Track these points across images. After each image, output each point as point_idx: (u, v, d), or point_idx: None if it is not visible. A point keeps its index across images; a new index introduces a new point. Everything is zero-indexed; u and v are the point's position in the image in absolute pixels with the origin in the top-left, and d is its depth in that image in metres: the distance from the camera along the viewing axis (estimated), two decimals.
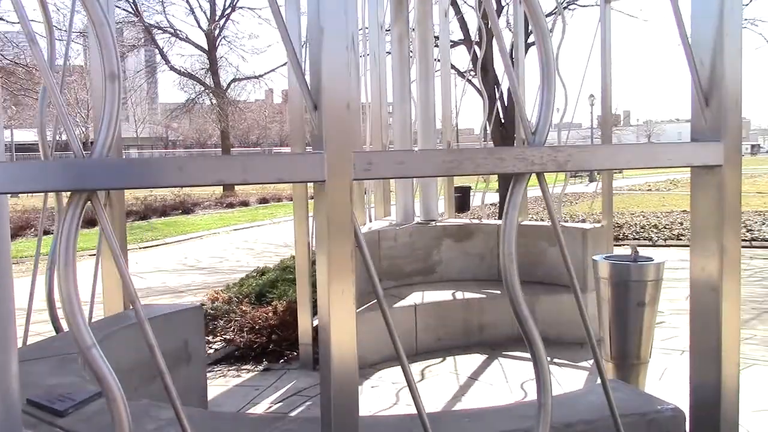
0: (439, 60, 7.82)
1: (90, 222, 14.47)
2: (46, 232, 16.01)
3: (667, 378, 5.12)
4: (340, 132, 1.41)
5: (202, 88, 33.30)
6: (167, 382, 1.38)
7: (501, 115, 12.81)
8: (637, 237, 13.06)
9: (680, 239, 12.74)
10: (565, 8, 16.02)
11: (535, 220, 12.34)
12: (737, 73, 1.66)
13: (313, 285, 6.09)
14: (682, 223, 14.18)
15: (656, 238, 12.70)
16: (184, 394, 3.43)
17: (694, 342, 1.81)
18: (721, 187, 1.67)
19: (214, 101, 33.17)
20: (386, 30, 7.61)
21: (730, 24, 1.63)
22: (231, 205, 25.41)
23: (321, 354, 1.52)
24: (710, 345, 1.73)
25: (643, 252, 4.23)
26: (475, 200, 17.98)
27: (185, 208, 23.08)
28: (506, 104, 13.29)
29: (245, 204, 26.02)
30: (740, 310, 1.71)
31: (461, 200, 17.95)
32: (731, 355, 1.72)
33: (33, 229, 17.55)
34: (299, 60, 1.49)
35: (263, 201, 26.64)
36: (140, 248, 15.19)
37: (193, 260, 13.19)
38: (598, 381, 2.28)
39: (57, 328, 2.98)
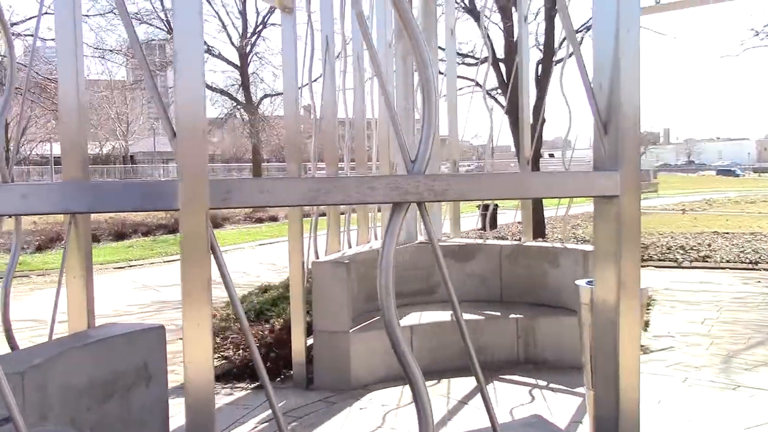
0: (444, 74, 7.76)
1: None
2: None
3: (666, 404, 4.97)
4: (196, 160, 1.37)
5: (234, 104, 33.76)
6: (15, 415, 1.35)
7: None
8: (662, 258, 12.75)
9: (706, 261, 12.38)
10: (578, 31, 15.78)
11: (552, 241, 12.15)
12: (635, 98, 1.57)
13: (308, 303, 6.06)
14: (710, 245, 13.79)
15: (681, 260, 12.37)
16: (142, 417, 3.42)
17: (596, 374, 1.72)
18: (619, 217, 1.58)
19: (246, 117, 33.59)
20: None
21: (626, 45, 1.55)
22: (260, 220, 25.59)
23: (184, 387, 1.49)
24: (610, 378, 1.64)
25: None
26: (502, 218, 17.83)
27: (215, 222, 23.29)
28: (533, 122, 13.12)
29: (274, 219, 26.16)
30: (639, 343, 1.62)
31: (489, 218, 17.70)
32: (629, 385, 1.63)
33: (63, 242, 17.91)
34: (158, 87, 1.46)
35: None
36: (164, 262, 15.40)
37: (214, 275, 13.28)
38: (526, 414, 2.19)
39: (12, 346, 3.00)
